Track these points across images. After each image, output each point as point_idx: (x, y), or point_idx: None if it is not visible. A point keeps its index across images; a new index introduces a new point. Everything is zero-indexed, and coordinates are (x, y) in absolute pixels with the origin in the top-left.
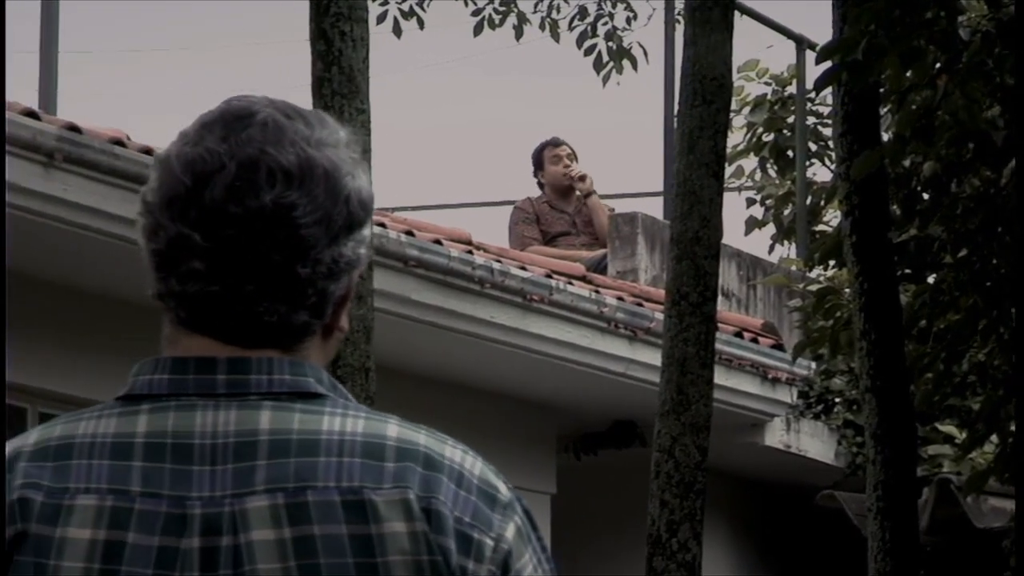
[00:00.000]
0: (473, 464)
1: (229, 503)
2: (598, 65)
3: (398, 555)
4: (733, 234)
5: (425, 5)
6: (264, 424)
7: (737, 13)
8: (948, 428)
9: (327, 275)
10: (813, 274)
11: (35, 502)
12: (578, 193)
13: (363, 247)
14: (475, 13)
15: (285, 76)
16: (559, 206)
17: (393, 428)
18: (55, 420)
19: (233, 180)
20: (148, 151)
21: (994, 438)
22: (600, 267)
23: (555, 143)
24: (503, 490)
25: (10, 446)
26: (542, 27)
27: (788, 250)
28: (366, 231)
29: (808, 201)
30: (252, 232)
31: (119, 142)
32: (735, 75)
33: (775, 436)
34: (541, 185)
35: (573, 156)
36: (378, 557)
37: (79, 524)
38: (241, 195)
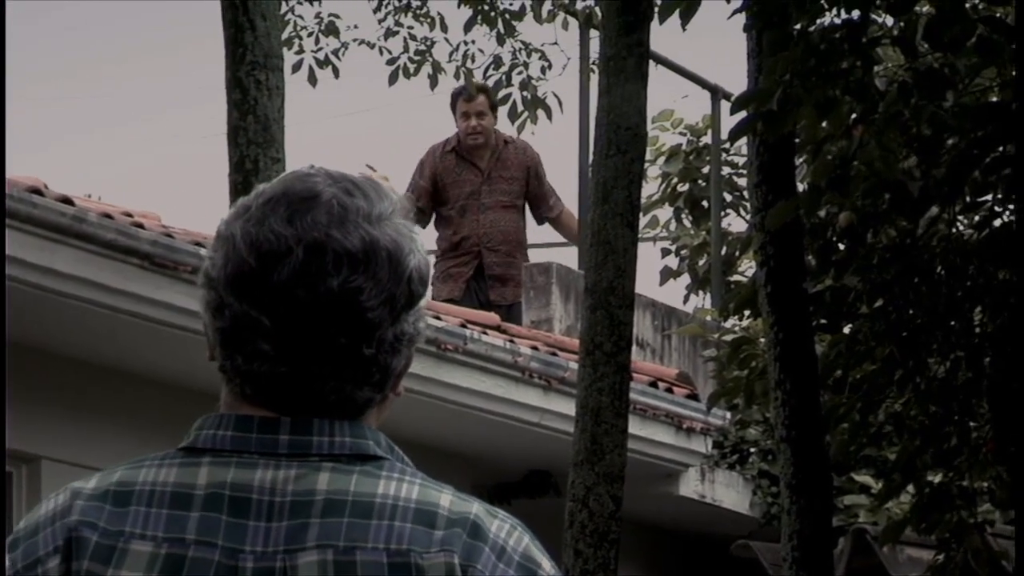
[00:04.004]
0: (519, 540)
1: (281, 558)
2: (513, 115)
3: None
4: (648, 284)
5: (341, 54)
6: (322, 485)
7: (652, 63)
8: (864, 478)
9: (390, 351)
10: (728, 324)
11: (89, 541)
12: (504, 141)
13: (421, 320)
14: (390, 62)
15: (185, 86)
16: (471, 158)
17: (447, 498)
18: (115, 467)
19: (300, 265)
20: (66, 200)
21: (910, 488)
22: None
23: (467, 96)
24: (545, 567)
25: (70, 489)
26: (457, 76)
27: (703, 300)
28: (423, 303)
29: (723, 251)
30: (319, 316)
31: (37, 191)
32: (650, 125)
33: (690, 486)
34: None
35: (489, 110)
36: None
37: (131, 567)
38: (309, 280)
